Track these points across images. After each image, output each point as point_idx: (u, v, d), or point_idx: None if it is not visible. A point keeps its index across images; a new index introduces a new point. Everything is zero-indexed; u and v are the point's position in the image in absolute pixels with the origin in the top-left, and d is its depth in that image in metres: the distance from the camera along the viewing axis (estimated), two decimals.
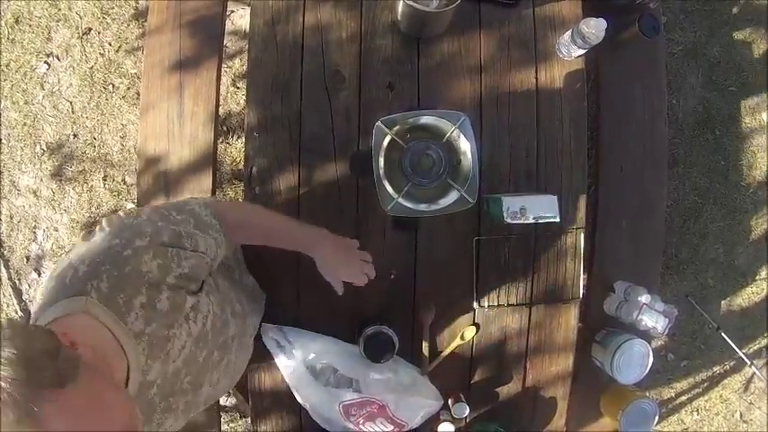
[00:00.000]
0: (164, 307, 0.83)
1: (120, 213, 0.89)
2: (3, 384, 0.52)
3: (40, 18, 2.37)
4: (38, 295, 0.81)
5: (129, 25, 2.38)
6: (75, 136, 2.36)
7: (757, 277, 2.56)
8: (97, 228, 0.86)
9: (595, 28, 1.30)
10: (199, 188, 1.66)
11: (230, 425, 2.28)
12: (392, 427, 1.34)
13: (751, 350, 2.53)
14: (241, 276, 1.29)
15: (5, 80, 2.36)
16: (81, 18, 2.37)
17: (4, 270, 2.35)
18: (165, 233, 0.86)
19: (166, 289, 0.83)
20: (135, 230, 0.83)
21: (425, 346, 1.40)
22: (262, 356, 1.35)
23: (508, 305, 1.43)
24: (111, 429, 0.61)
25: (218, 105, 1.71)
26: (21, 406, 0.52)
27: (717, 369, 2.55)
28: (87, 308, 0.74)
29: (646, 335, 1.53)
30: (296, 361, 1.33)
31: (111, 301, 0.76)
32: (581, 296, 1.47)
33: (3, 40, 2.36)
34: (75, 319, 0.74)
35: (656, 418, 1.53)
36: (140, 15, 2.36)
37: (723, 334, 2.18)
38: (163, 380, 0.85)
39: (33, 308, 0.79)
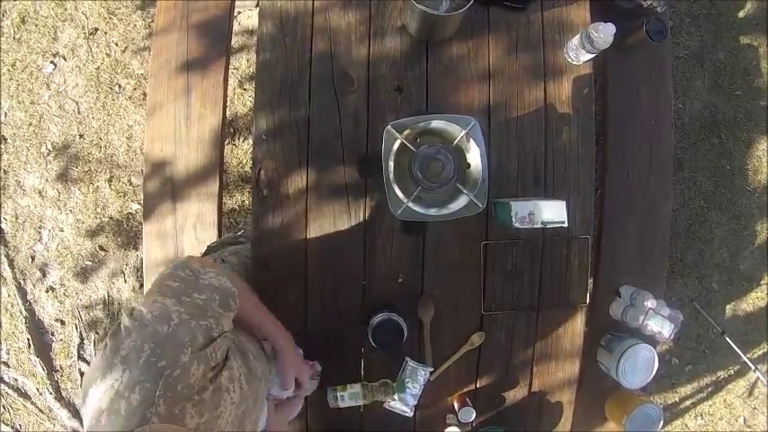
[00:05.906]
0: (209, 396, 0.85)
1: (143, 311, 0.86)
2: None
3: (46, 18, 2.37)
4: (84, 417, 0.81)
5: (135, 26, 2.38)
6: (80, 136, 2.37)
7: (762, 282, 2.56)
8: (122, 330, 0.84)
9: (604, 33, 1.30)
10: (206, 191, 1.66)
11: None
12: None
13: (755, 355, 2.53)
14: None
15: (11, 80, 2.37)
16: (87, 18, 2.38)
17: (8, 270, 2.35)
18: (199, 334, 0.86)
19: (209, 382, 0.86)
20: (175, 344, 0.82)
21: (428, 343, 1.39)
22: None
23: (515, 309, 1.43)
24: None
25: (225, 107, 1.71)
26: None
27: (721, 374, 2.55)
28: None
29: (651, 340, 1.53)
30: None
31: (170, 416, 0.79)
32: (587, 301, 1.47)
33: (9, 40, 2.37)
34: None
35: (661, 423, 1.53)
36: (147, 16, 2.37)
37: (728, 338, 2.18)
38: None
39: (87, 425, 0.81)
